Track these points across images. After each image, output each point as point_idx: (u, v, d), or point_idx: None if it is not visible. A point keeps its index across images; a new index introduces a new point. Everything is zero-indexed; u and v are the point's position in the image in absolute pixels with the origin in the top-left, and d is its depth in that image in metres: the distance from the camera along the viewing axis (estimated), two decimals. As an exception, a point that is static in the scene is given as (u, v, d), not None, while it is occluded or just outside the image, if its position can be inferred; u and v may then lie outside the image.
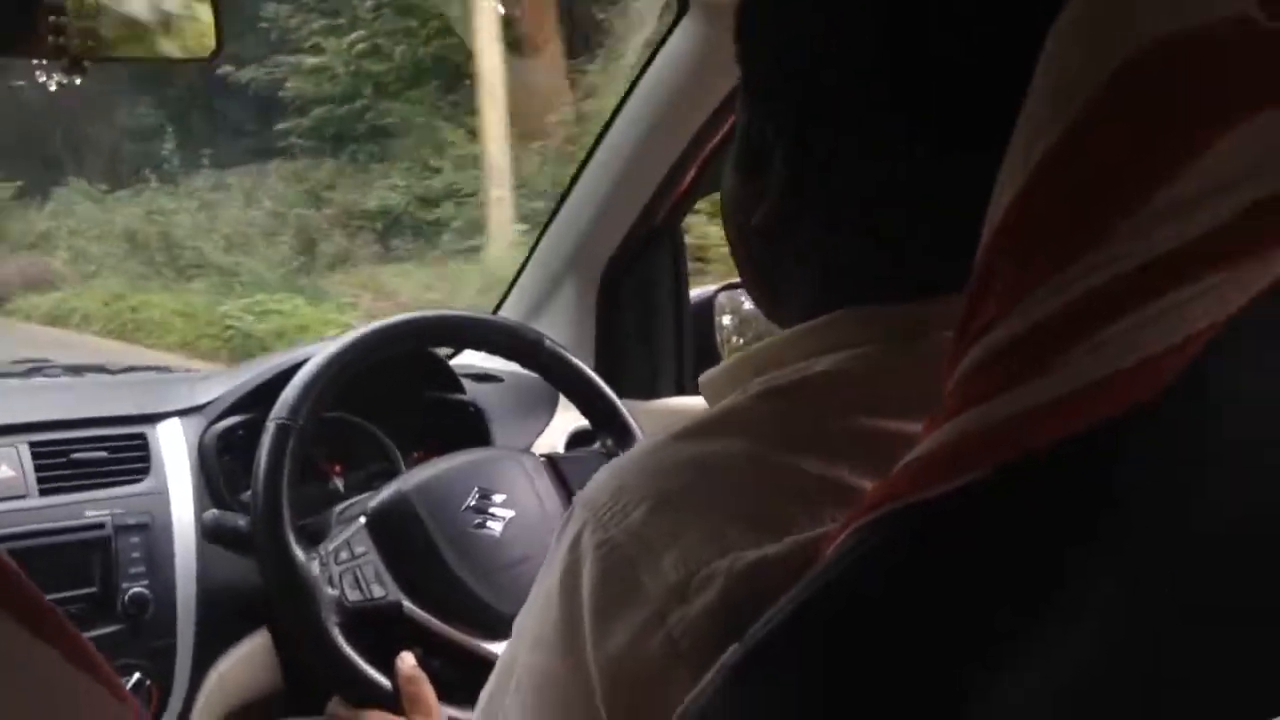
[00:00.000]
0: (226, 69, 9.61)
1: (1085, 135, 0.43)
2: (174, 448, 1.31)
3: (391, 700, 1.09)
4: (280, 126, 9.78)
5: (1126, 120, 0.42)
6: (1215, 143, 0.41)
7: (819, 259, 0.63)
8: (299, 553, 1.11)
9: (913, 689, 0.43)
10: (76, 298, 9.34)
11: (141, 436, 1.31)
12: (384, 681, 1.08)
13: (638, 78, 1.47)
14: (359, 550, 1.15)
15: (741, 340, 1.63)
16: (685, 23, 1.37)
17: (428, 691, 1.09)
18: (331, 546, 1.15)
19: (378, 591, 1.13)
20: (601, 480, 0.59)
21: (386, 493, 1.21)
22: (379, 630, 1.13)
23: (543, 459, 1.32)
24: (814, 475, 0.54)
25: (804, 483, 0.54)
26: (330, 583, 1.11)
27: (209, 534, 1.20)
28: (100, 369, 1.59)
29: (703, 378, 0.67)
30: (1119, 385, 0.41)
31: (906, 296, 0.60)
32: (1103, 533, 0.42)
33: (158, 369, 1.73)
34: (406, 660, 1.10)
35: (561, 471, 1.30)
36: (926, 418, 0.45)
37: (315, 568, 1.11)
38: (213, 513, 1.19)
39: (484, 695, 0.65)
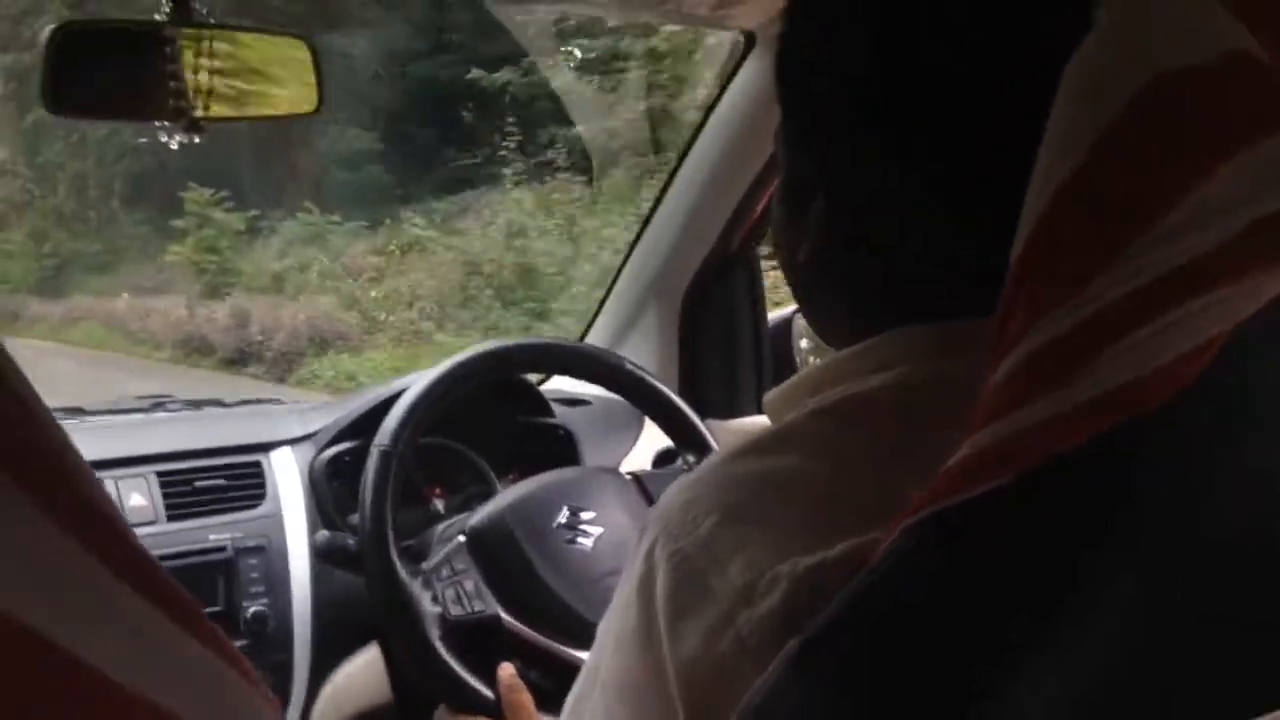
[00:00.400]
0: (477, 73, 7.79)
1: (1103, 159, 0.46)
2: (286, 474, 1.41)
3: (494, 709, 1.15)
4: (572, 131, 7.51)
5: (1141, 145, 0.45)
6: (1220, 167, 0.44)
7: (841, 280, 0.66)
8: (403, 571, 1.19)
9: (943, 686, 0.47)
10: (404, 360, 6.45)
11: (257, 464, 1.40)
12: (486, 691, 1.15)
13: (709, 111, 1.53)
14: (459, 567, 1.22)
15: (818, 360, 1.68)
16: (752, 58, 1.43)
17: (527, 700, 1.15)
18: (433, 563, 1.23)
19: (478, 606, 1.20)
20: (672, 495, 0.63)
21: (483, 512, 1.28)
22: (481, 642, 1.20)
23: (629, 476, 1.38)
24: (864, 485, 0.58)
25: (855, 493, 0.58)
26: (434, 599, 1.19)
27: (321, 554, 1.29)
28: (217, 402, 1.70)
29: (766, 397, 0.70)
30: (1136, 392, 0.44)
31: (942, 317, 0.62)
32: (1119, 533, 0.45)
33: (269, 401, 1.84)
34: (506, 670, 1.16)
35: (647, 489, 1.36)
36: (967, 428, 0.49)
37: (419, 585, 1.19)
38: (323, 534, 1.28)
39: (571, 696, 0.70)
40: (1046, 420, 0.45)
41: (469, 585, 1.21)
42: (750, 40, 1.41)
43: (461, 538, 1.26)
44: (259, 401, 1.80)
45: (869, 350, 0.64)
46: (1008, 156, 0.51)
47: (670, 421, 1.40)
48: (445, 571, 1.22)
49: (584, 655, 1.19)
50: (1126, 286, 0.44)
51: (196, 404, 1.67)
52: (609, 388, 1.42)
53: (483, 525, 1.27)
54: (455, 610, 1.19)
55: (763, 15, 1.23)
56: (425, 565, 1.23)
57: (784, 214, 0.69)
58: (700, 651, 0.58)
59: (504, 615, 1.21)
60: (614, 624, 0.65)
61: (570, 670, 1.18)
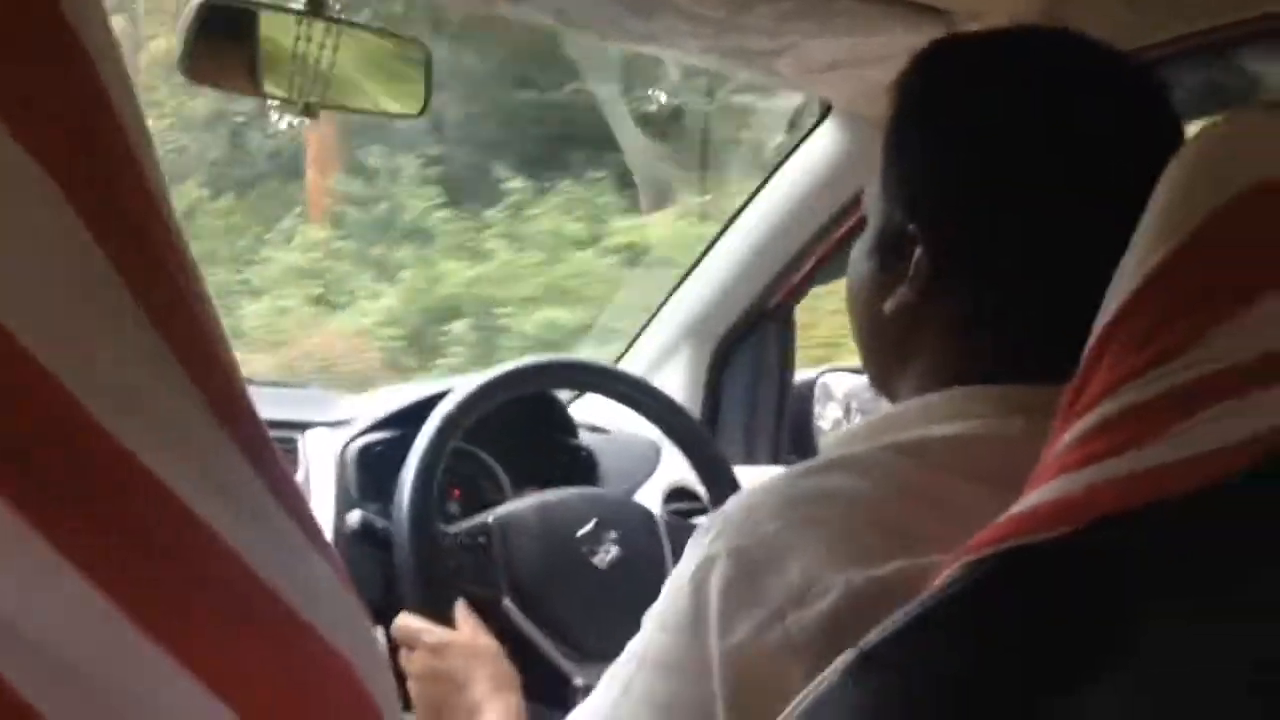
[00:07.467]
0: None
1: (1196, 250, 0.52)
2: (319, 454, 1.44)
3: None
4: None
5: (1232, 242, 0.51)
6: None
7: (942, 343, 0.73)
8: (437, 527, 1.26)
9: (996, 708, 0.51)
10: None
11: (293, 440, 1.44)
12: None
13: (774, 170, 1.60)
14: (481, 541, 1.30)
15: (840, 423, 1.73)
16: (825, 127, 1.50)
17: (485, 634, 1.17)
18: (459, 531, 1.31)
19: (485, 584, 1.28)
20: (738, 499, 0.70)
21: (515, 504, 1.35)
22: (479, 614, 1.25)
23: (659, 516, 1.43)
24: (920, 516, 0.64)
25: (910, 521, 0.64)
26: (452, 568, 1.27)
27: (353, 532, 1.32)
28: (249, 380, 1.73)
29: (835, 435, 0.78)
30: (1206, 462, 0.49)
31: (1008, 380, 0.70)
32: (1178, 585, 0.50)
33: (297, 385, 1.88)
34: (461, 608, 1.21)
35: (667, 532, 1.41)
36: (1032, 475, 0.54)
37: (444, 548, 1.27)
38: (357, 513, 1.32)
39: (608, 675, 0.74)
40: (1120, 478, 0.50)
41: (482, 562, 1.28)
42: (826, 109, 1.48)
43: (490, 518, 1.32)
44: (288, 385, 1.84)
45: (945, 401, 0.71)
46: (1101, 244, 0.57)
47: (700, 457, 1.45)
48: (465, 540, 1.29)
49: (565, 661, 1.25)
50: (1202, 369, 0.50)
51: None
52: (647, 416, 1.46)
53: (511, 514, 1.33)
54: (469, 587, 1.26)
55: (847, 90, 1.30)
56: (452, 529, 1.30)
57: (875, 266, 0.76)
58: (748, 642, 0.63)
59: (506, 600, 1.28)
60: (663, 606, 0.70)
61: (547, 668, 1.24)
